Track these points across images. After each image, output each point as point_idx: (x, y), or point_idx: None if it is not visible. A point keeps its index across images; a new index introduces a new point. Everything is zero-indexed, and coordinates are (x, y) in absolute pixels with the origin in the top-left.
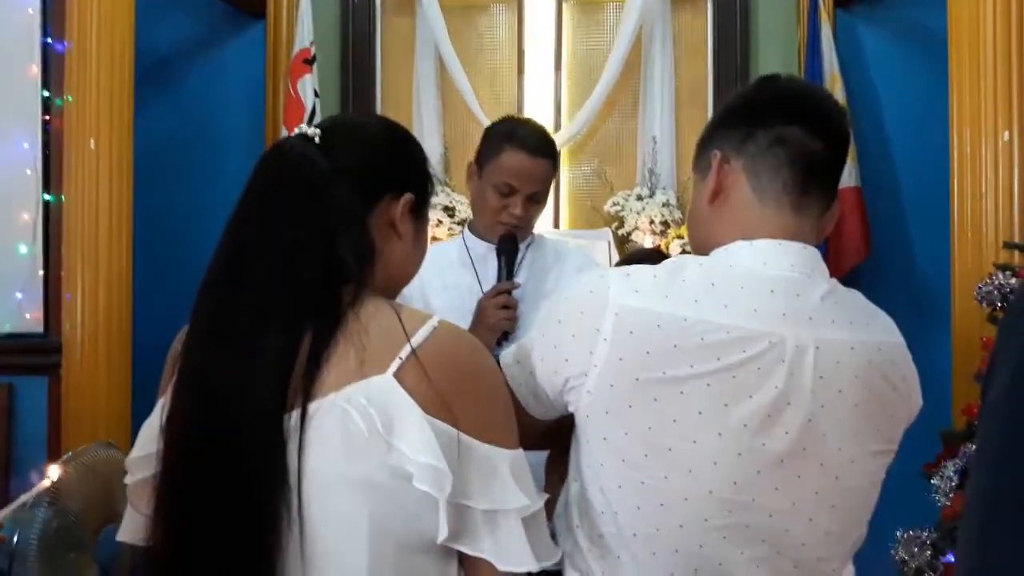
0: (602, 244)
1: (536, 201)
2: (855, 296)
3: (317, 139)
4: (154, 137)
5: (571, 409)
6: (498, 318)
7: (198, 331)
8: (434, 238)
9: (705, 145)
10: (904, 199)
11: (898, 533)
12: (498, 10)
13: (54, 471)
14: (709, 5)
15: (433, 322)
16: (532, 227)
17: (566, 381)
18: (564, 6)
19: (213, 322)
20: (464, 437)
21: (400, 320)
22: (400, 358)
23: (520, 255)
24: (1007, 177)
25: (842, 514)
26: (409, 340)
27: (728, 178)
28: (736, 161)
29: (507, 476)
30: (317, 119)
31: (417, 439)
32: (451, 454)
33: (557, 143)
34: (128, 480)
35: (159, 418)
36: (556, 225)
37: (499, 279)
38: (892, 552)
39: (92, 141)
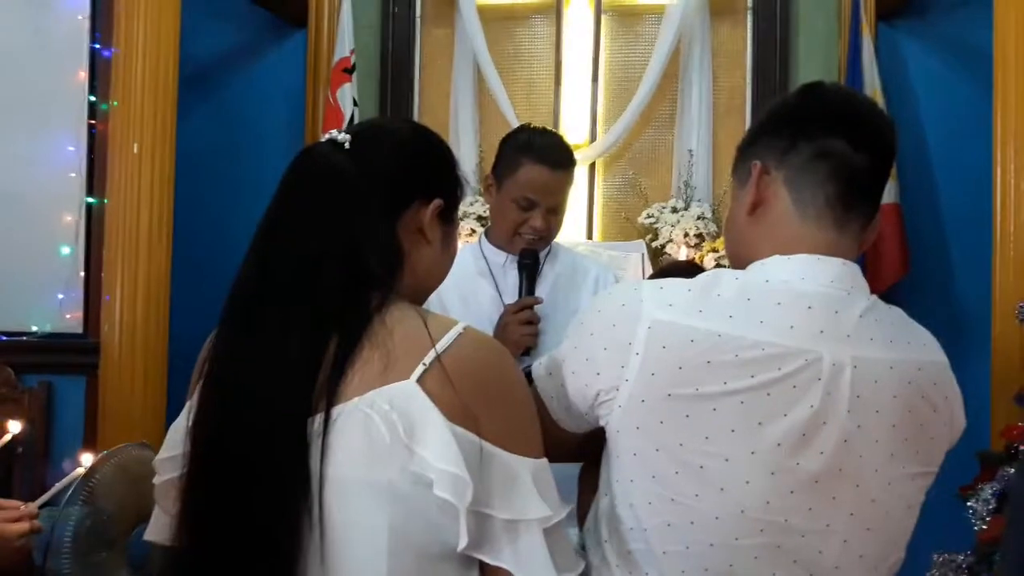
0: (636, 256)
1: (556, 212)
2: (896, 313)
3: (347, 144)
4: (196, 143)
5: (602, 423)
6: (521, 334)
7: (225, 335)
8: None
9: (745, 152)
10: (944, 217)
11: (934, 556)
12: (537, 21)
13: (87, 458)
14: (749, 17)
15: (459, 328)
16: (554, 237)
17: (597, 395)
18: (603, 17)
19: (240, 326)
20: (487, 445)
21: (426, 326)
22: (424, 364)
23: (539, 267)
24: None
25: (877, 537)
26: (435, 346)
27: (768, 190)
28: (777, 172)
29: (529, 485)
30: None
31: (439, 446)
32: (473, 462)
33: (592, 154)
34: (156, 480)
35: (186, 420)
36: (589, 236)
37: (521, 294)
38: (928, 575)
39: (136, 145)
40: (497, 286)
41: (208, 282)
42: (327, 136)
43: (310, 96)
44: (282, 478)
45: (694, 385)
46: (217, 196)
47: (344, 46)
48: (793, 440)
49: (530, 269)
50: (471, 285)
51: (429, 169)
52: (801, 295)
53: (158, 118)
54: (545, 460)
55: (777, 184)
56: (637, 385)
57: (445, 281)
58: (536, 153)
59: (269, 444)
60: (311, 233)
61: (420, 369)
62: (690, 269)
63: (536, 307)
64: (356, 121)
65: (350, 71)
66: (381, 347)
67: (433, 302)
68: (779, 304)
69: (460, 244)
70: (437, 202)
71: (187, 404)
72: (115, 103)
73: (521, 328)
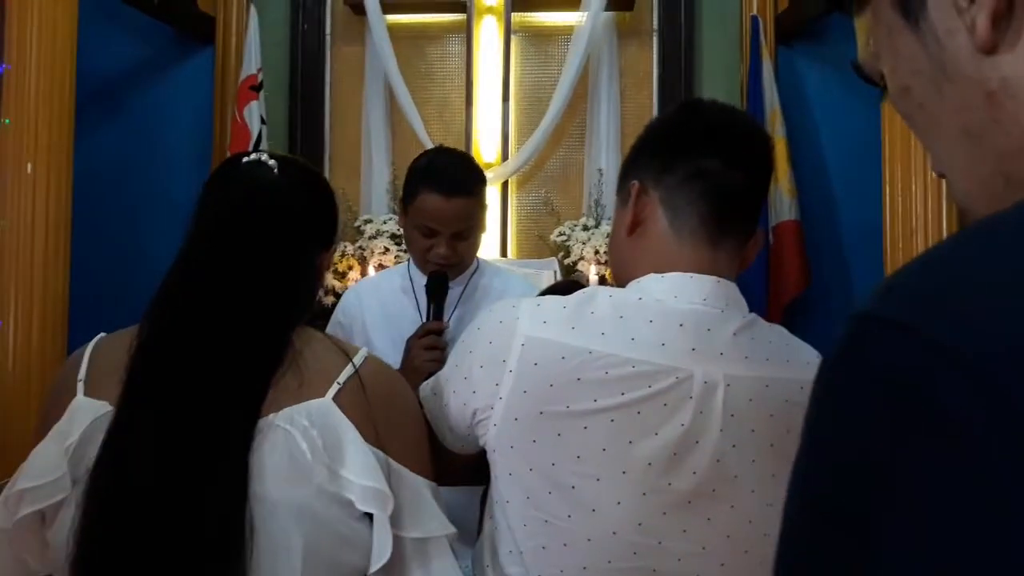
0: (548, 274)
1: (463, 238)
2: (776, 332)
3: (276, 171)
4: (98, 162)
5: (481, 443)
6: (423, 359)
7: (158, 348)
8: (381, 265)
9: (626, 172)
10: (842, 233)
11: None
12: (448, 40)
13: None
14: (655, 39)
15: (363, 353)
16: (467, 262)
17: (474, 413)
18: (513, 37)
19: (176, 343)
20: (395, 464)
21: (338, 347)
22: (338, 383)
23: (462, 286)
24: (936, 213)
25: (757, 560)
26: (353, 363)
27: (645, 210)
28: (654, 192)
29: (432, 503)
30: (263, 146)
31: (359, 464)
32: (387, 480)
33: (505, 173)
34: (15, 514)
35: (57, 444)
36: (503, 254)
37: (427, 320)
38: None
39: (30, 165)
40: (419, 306)
41: (109, 307)
42: (254, 157)
43: (217, 114)
44: (227, 495)
45: (565, 403)
46: (120, 217)
47: (251, 63)
48: (664, 460)
49: (437, 294)
50: (395, 303)
51: (335, 219)
52: (673, 313)
53: (54, 136)
54: (435, 484)
55: (654, 204)
56: (510, 403)
57: (370, 299)
58: (431, 181)
59: (216, 461)
60: (256, 258)
61: (335, 388)
62: (570, 287)
63: (448, 330)
64: (264, 139)
65: (257, 88)
66: (292, 366)
67: (355, 321)
68: (651, 321)
69: (374, 261)
70: (334, 249)
71: (53, 430)
72: (7, 121)
73: (424, 354)
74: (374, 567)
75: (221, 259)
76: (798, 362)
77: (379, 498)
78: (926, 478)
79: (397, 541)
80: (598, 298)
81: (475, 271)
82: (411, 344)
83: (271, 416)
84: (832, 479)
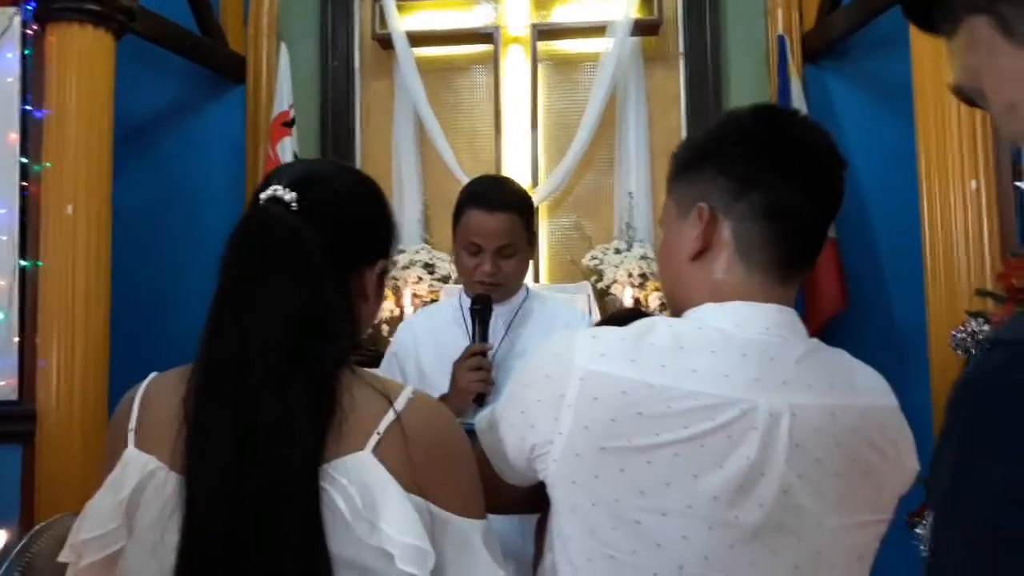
0: (582, 297)
1: (506, 256)
2: (839, 357)
3: (294, 204)
4: (133, 202)
5: (540, 477)
6: (468, 381)
7: (212, 414)
8: (415, 295)
9: (688, 182)
10: (878, 249)
11: None
12: (475, 71)
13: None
14: (681, 61)
15: (408, 392)
16: (514, 283)
17: (532, 448)
18: (539, 66)
19: (229, 405)
20: (441, 511)
21: (379, 389)
22: (378, 433)
23: (513, 313)
24: (976, 225)
25: None
26: (394, 409)
27: (713, 235)
28: (724, 219)
29: (481, 549)
30: None
31: (399, 518)
32: (430, 530)
33: (535, 199)
34: (78, 562)
35: (112, 495)
36: (536, 279)
37: (472, 341)
38: None
39: (69, 207)
40: (468, 333)
41: (147, 344)
42: (271, 192)
43: (250, 151)
44: (304, 560)
45: (627, 438)
46: (156, 255)
47: (283, 100)
48: (730, 493)
49: (481, 315)
50: (446, 334)
51: (377, 232)
52: (735, 342)
53: (93, 178)
54: (488, 520)
55: (723, 231)
56: (571, 438)
57: (423, 330)
58: (473, 199)
59: (288, 533)
60: (279, 303)
61: (374, 439)
62: (630, 316)
63: (494, 353)
64: None
65: (289, 124)
66: (331, 415)
67: (408, 351)
68: (713, 352)
69: (408, 291)
70: (382, 263)
71: (108, 477)
72: (48, 164)
73: (469, 375)
74: None
75: (248, 314)
76: (863, 388)
77: (419, 556)
78: None
79: None
80: (657, 329)
81: (524, 299)
82: (456, 366)
83: None
84: (997, 500)
